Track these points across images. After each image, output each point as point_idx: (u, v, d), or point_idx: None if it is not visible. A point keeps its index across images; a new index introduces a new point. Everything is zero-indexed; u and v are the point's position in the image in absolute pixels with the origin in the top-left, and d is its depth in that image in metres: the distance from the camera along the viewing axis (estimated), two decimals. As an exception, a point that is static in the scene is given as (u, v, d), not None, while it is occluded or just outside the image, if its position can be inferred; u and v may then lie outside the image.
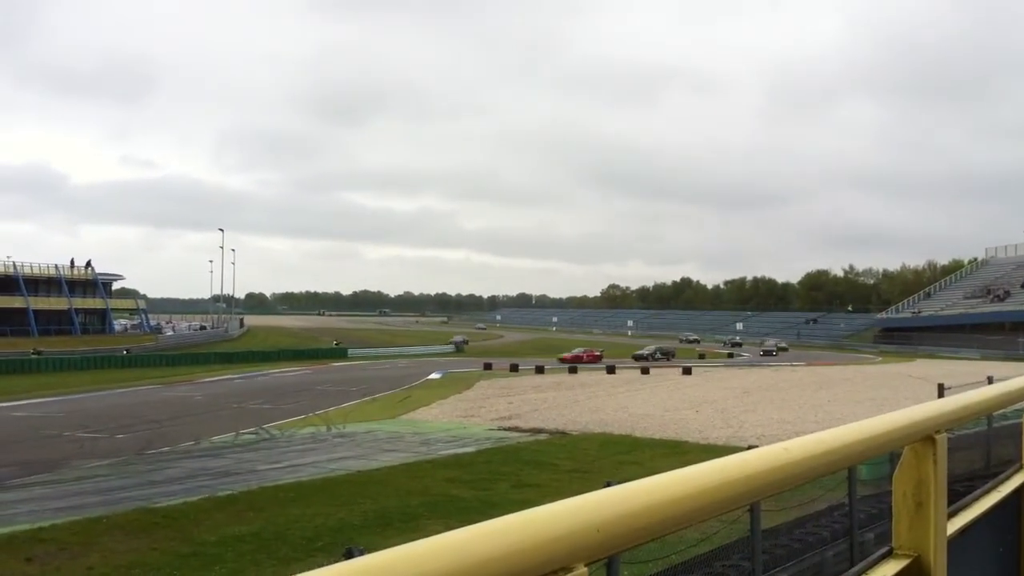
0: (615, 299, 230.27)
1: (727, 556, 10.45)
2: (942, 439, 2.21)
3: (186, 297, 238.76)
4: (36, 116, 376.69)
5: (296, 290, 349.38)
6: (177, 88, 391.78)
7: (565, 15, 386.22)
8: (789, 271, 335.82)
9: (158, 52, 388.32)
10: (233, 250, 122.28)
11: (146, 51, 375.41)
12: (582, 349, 78.25)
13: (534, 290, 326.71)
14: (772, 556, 11.24)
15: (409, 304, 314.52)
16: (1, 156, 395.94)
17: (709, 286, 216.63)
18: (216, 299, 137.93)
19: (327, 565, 0.93)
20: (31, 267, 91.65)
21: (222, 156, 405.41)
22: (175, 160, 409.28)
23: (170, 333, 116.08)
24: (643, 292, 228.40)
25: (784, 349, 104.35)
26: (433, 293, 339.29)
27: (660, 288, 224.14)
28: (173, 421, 35.64)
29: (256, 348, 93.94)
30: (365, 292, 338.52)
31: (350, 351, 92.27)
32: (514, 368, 66.57)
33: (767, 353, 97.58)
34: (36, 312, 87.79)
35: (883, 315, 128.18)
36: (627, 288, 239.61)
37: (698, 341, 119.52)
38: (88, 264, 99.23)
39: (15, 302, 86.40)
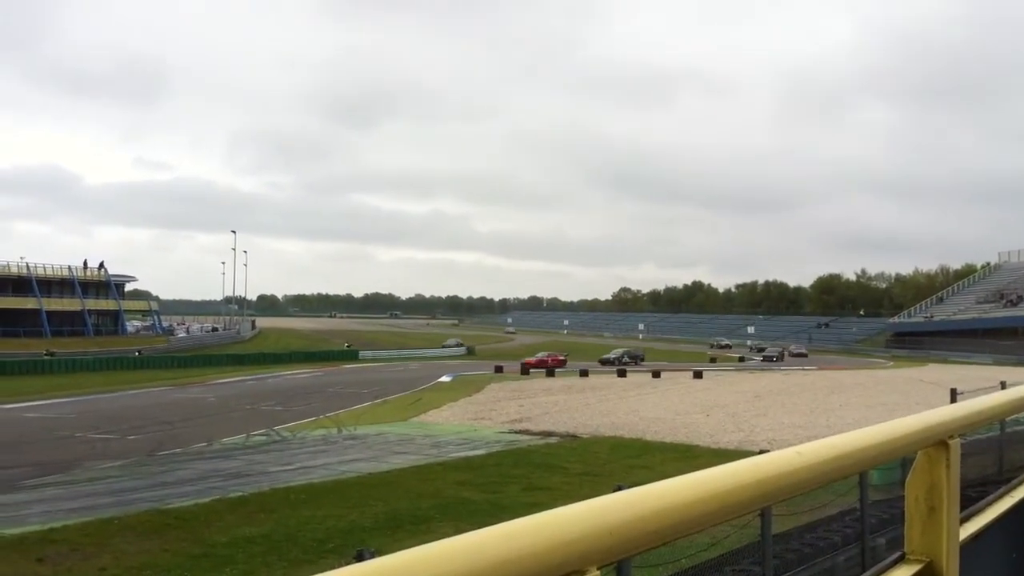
0: (627, 302, 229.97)
1: (738, 560, 10.43)
2: (955, 444, 2.20)
3: (198, 299, 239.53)
4: (50, 117, 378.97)
5: (308, 292, 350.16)
6: (190, 90, 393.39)
7: (578, 17, 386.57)
8: (801, 275, 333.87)
9: (170, 54, 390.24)
10: (245, 252, 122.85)
11: (159, 53, 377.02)
12: (546, 353, 76.34)
13: (546, 293, 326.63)
14: (783, 561, 11.21)
15: (420, 307, 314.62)
16: (16, 157, 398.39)
17: (721, 290, 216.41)
18: (228, 301, 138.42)
19: (338, 567, 0.93)
20: (44, 268, 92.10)
21: (235, 158, 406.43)
22: (188, 162, 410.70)
23: (183, 335, 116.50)
24: (655, 295, 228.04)
25: (803, 355, 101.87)
26: (444, 296, 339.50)
27: (672, 291, 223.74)
28: (185, 422, 35.73)
29: (268, 350, 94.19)
30: (376, 294, 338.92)
31: (361, 353, 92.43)
32: (524, 371, 66.65)
33: (767, 359, 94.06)
34: (49, 313, 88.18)
35: (895, 319, 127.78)
36: (639, 291, 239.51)
37: (729, 346, 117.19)
38: (101, 265, 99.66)
39: (28, 303, 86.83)
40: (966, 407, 2.53)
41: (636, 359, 76.52)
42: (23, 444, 29.81)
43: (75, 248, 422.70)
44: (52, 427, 34.06)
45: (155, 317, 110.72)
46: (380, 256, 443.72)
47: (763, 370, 78.81)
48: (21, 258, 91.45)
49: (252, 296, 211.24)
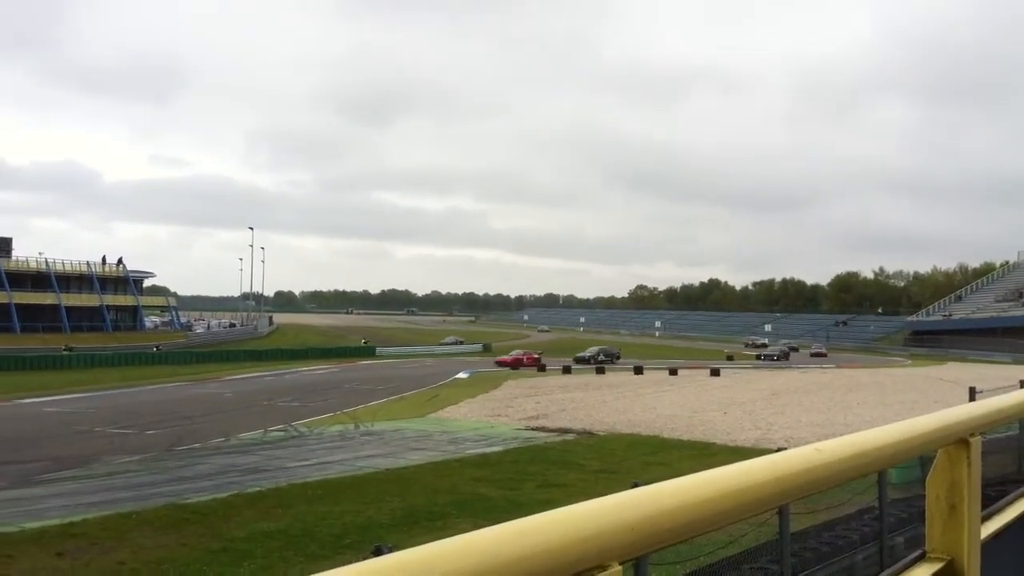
0: (643, 300, 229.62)
1: (756, 559, 10.39)
2: (976, 442, 2.19)
3: (216, 295, 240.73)
4: (69, 114, 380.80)
5: (325, 289, 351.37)
6: (208, 88, 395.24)
7: (594, 16, 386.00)
8: (818, 273, 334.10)
9: (188, 52, 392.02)
10: (263, 248, 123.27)
11: (176, 51, 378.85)
12: (521, 351, 75.28)
13: (562, 290, 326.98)
14: (801, 559, 11.16)
15: (437, 303, 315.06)
16: (35, 154, 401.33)
17: (737, 287, 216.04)
18: (246, 297, 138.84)
19: (355, 562, 0.92)
20: (63, 264, 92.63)
21: (253, 155, 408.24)
22: (206, 159, 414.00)
23: (201, 330, 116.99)
24: (671, 293, 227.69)
25: (822, 354, 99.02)
26: (461, 293, 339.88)
27: (688, 289, 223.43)
28: (203, 418, 35.88)
29: (285, 346, 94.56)
30: (393, 291, 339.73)
31: (378, 350, 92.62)
32: (541, 368, 66.65)
33: (767, 357, 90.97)
34: (68, 309, 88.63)
35: (914, 318, 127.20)
36: (655, 289, 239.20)
37: (766, 345, 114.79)
38: (120, 261, 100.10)
39: (47, 298, 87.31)
40: (986, 405, 2.51)
41: (612, 357, 74.95)
42: (42, 439, 29.99)
43: (94, 244, 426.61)
44: (71, 422, 34.25)
45: (173, 313, 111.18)
46: (397, 253, 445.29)
47: (780, 368, 78.55)
48: (40, 254, 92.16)
49: (269, 292, 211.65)
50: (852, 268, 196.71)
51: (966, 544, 2.12)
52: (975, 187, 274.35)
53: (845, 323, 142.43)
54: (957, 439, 2.16)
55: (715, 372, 63.79)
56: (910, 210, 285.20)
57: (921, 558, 2.16)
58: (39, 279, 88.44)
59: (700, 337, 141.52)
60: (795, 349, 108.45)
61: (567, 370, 64.61)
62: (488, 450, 27.41)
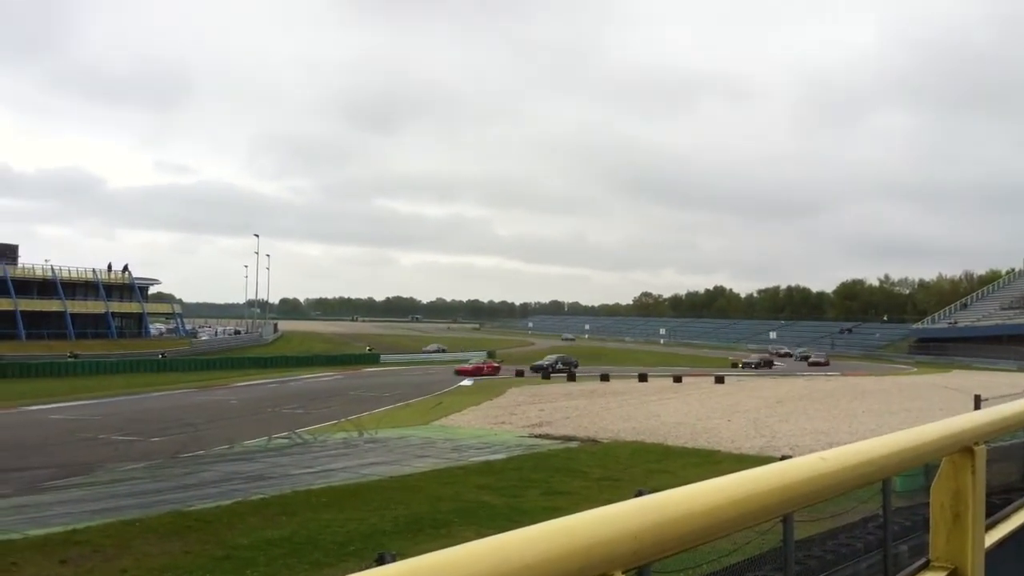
0: (647, 307, 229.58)
1: (759, 567, 10.38)
2: (981, 451, 2.19)
3: (221, 302, 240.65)
4: (73, 121, 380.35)
5: (329, 296, 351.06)
6: (211, 94, 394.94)
7: (599, 22, 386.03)
8: (823, 280, 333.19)
9: (192, 58, 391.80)
10: (268, 255, 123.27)
11: (180, 57, 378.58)
12: (481, 359, 74.29)
13: (566, 297, 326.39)
14: (805, 567, 11.16)
15: (441, 310, 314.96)
16: (39, 160, 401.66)
17: (742, 295, 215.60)
18: (251, 304, 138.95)
19: (359, 571, 0.93)
20: (69, 271, 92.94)
21: (256, 162, 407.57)
22: (210, 165, 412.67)
23: (206, 337, 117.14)
24: (675, 300, 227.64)
25: (823, 363, 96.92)
26: (465, 299, 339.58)
27: (693, 296, 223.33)
28: (207, 425, 35.91)
29: (290, 353, 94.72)
30: (398, 298, 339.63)
31: (382, 357, 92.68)
32: (546, 375, 66.63)
33: (745, 365, 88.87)
34: (73, 316, 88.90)
35: (919, 325, 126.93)
36: (659, 296, 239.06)
37: (790, 354, 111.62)
38: (125, 268, 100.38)
39: (53, 305, 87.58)
40: (991, 413, 2.51)
41: (570, 365, 74.03)
42: (47, 446, 30.04)
43: (99, 251, 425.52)
44: (76, 429, 34.30)
45: (178, 320, 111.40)
46: (401, 260, 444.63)
47: (785, 376, 78.45)
48: (46, 261, 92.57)
49: (274, 299, 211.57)
50: (857, 275, 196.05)
51: (970, 553, 2.12)
52: (981, 194, 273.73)
53: (850, 330, 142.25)
54: (962, 447, 2.16)
55: (719, 379, 63.69)
56: (916, 217, 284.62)
57: (925, 566, 2.16)
58: (45, 286, 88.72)
59: (705, 344, 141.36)
60: (788, 354, 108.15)
61: (571, 377, 64.51)
62: (492, 457, 27.38)
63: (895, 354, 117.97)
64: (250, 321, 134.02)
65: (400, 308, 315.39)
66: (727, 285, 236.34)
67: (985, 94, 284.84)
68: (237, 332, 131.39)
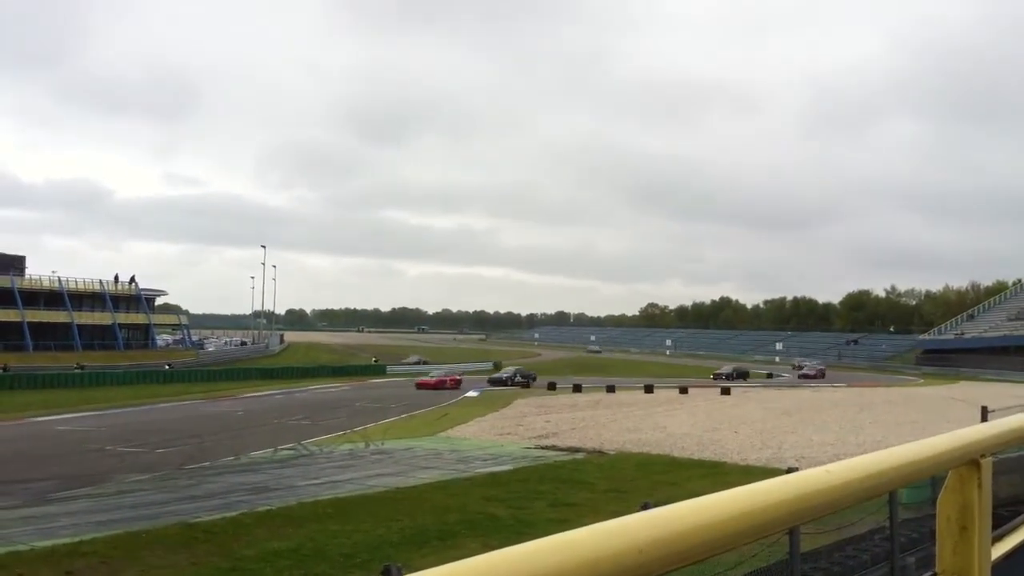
0: (653, 318, 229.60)
1: (766, 579, 10.35)
2: (987, 463, 2.19)
3: (227, 313, 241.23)
4: (81, 132, 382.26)
5: (336, 306, 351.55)
6: (220, 106, 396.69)
7: (605, 33, 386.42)
8: (830, 291, 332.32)
9: (201, 70, 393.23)
10: (274, 266, 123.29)
11: (189, 69, 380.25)
12: (443, 372, 72.39)
13: (572, 308, 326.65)
14: (812, 579, 11.13)
15: (447, 321, 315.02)
16: (47, 172, 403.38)
17: (748, 306, 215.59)
18: (257, 315, 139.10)
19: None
20: (76, 282, 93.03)
21: (263, 173, 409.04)
22: (217, 177, 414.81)
23: (212, 348, 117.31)
24: (682, 311, 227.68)
25: (812, 375, 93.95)
26: (471, 310, 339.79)
27: (699, 307, 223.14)
28: (214, 436, 35.91)
29: (296, 364, 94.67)
30: (404, 309, 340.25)
31: (388, 368, 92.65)
32: (552, 386, 66.54)
33: (716, 376, 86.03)
34: (80, 327, 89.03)
35: (925, 336, 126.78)
36: (666, 307, 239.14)
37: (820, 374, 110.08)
38: (132, 279, 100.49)
39: (60, 316, 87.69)
40: (998, 426, 2.51)
41: (528, 378, 73.42)
42: (53, 457, 30.05)
43: (106, 262, 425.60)
44: (82, 440, 34.32)
45: (185, 331, 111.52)
46: (407, 271, 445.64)
47: (793, 387, 78.31)
48: (53, 272, 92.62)
49: (281, 310, 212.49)
50: (864, 286, 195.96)
51: (977, 565, 2.11)
52: (988, 204, 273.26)
53: (856, 342, 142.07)
54: (968, 460, 2.16)
55: (726, 391, 63.63)
56: (922, 228, 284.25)
57: (932, 579, 2.16)
58: (52, 297, 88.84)
59: (711, 355, 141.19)
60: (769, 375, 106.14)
61: (577, 388, 64.39)
62: (498, 469, 27.35)
63: (902, 365, 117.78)
64: (256, 332, 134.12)
65: (406, 319, 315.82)
66: (733, 296, 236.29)
67: (993, 103, 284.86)
68: (243, 343, 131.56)
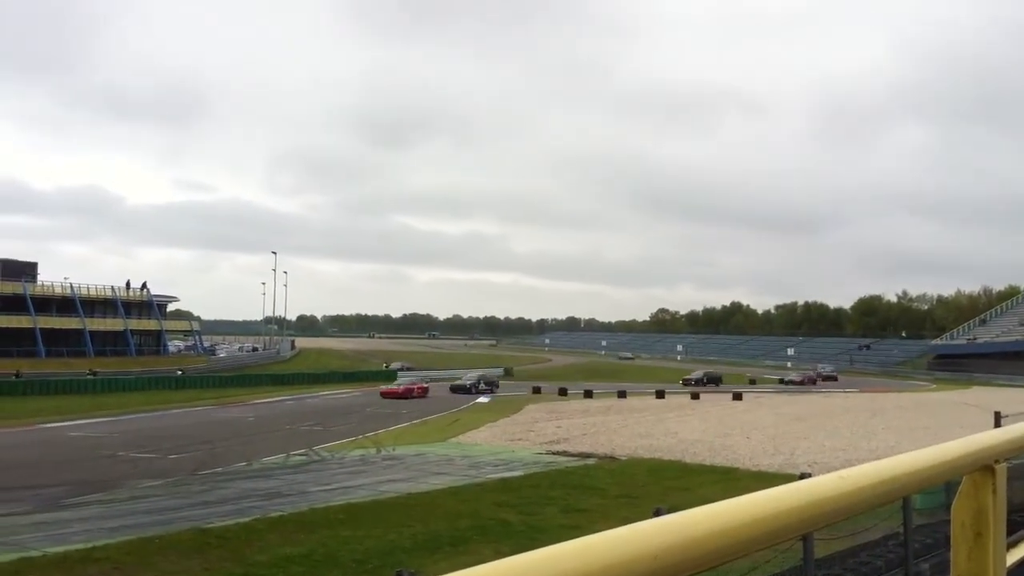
0: (664, 323, 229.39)
1: (779, 585, 10.31)
2: (1002, 469, 2.18)
3: (239, 319, 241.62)
4: (91, 139, 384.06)
5: (346, 312, 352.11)
6: (229, 112, 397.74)
7: (614, 38, 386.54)
8: (842, 296, 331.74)
9: (210, 76, 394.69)
10: (285, 272, 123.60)
11: (198, 75, 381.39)
12: (411, 380, 71.12)
13: (582, 313, 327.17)
14: (825, 586, 11.08)
15: (458, 327, 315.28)
16: (58, 179, 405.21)
17: (759, 311, 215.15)
18: (268, 321, 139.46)
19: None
20: (88, 288, 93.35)
21: (273, 179, 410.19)
22: (228, 183, 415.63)
23: (224, 354, 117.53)
24: (692, 316, 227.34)
25: (798, 381, 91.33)
26: (482, 316, 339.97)
27: (710, 312, 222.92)
28: (226, 442, 35.96)
29: (307, 370, 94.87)
30: (415, 315, 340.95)
31: (399, 373, 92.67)
32: (563, 392, 66.51)
33: (685, 383, 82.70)
34: (92, 333, 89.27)
35: (937, 341, 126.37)
36: (676, 312, 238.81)
37: (835, 378, 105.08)
38: (144, 286, 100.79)
39: (72, 323, 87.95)
40: (1012, 431, 2.49)
41: (492, 385, 72.40)
42: (66, 463, 30.13)
43: (117, 268, 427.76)
44: (95, 446, 34.41)
45: (196, 337, 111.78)
46: (418, 276, 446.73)
47: (804, 392, 78.10)
48: (65, 278, 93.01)
49: (292, 316, 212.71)
50: (875, 291, 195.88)
51: (992, 571, 2.10)
52: (999, 208, 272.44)
53: (868, 347, 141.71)
54: (982, 465, 2.15)
55: (737, 396, 63.55)
56: (934, 232, 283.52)
57: (947, 586, 2.15)
58: (64, 304, 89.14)
59: (722, 361, 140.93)
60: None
61: (588, 394, 64.33)
62: (509, 475, 27.33)
63: (914, 370, 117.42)
64: (267, 338, 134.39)
65: (417, 325, 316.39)
66: (744, 301, 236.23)
67: (1003, 106, 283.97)
68: (255, 349, 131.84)
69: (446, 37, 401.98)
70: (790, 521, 1.43)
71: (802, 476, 2.24)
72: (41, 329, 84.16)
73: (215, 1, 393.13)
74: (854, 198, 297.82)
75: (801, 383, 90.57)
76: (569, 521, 19.16)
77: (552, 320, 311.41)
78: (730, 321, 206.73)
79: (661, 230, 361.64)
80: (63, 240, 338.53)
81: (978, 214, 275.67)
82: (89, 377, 73.06)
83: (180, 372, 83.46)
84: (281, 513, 20.47)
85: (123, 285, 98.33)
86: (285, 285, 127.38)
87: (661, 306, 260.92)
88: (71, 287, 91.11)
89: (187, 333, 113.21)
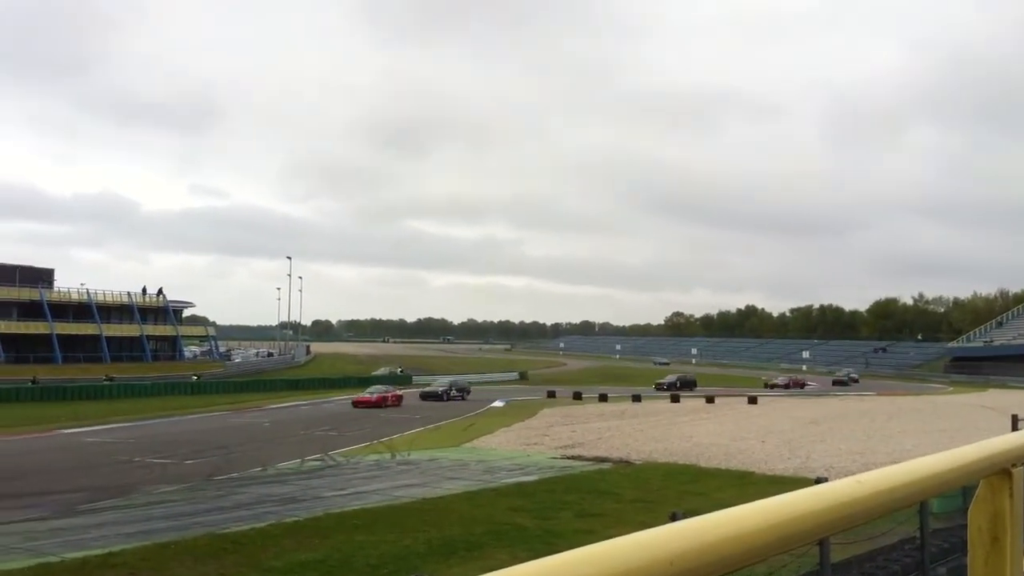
0: (679, 327, 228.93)
1: (796, 590, 10.29)
2: (1019, 473, 2.17)
3: (254, 324, 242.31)
4: (107, 145, 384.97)
5: (361, 317, 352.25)
6: (244, 118, 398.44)
7: (626, 41, 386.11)
8: (857, 299, 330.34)
9: (225, 82, 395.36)
10: (300, 277, 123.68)
11: (213, 81, 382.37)
12: (384, 388, 68.01)
13: (597, 317, 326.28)
14: (842, 590, 11.04)
15: (472, 331, 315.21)
16: (75, 185, 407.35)
17: (775, 314, 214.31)
18: (283, 326, 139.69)
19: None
20: (104, 294, 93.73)
21: (287, 184, 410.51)
22: (243, 189, 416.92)
23: (239, 360, 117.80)
24: (707, 320, 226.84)
25: (783, 384, 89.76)
26: (496, 320, 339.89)
27: (725, 316, 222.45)
28: (241, 447, 36.06)
29: (322, 375, 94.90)
30: (429, 319, 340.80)
31: (414, 378, 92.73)
32: (577, 396, 66.42)
33: (658, 387, 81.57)
34: (108, 339, 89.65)
35: (954, 344, 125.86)
36: (691, 316, 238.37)
37: (857, 380, 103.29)
38: (159, 292, 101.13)
39: (88, 329, 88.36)
40: (1029, 435, 2.48)
41: (463, 392, 71.75)
42: (83, 468, 30.26)
43: (133, 274, 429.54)
44: (111, 451, 34.54)
45: (212, 343, 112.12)
46: (432, 281, 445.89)
47: (819, 395, 77.85)
48: (81, 284, 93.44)
49: (307, 321, 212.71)
50: (891, 294, 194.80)
51: (1009, 576, 2.09)
52: (1016, 211, 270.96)
53: (884, 350, 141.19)
54: (999, 469, 2.14)
55: (752, 400, 63.27)
56: (949, 235, 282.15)
57: (964, 590, 2.14)
58: (81, 310, 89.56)
59: (737, 364, 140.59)
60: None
61: (603, 398, 64.28)
62: (524, 479, 27.30)
63: (930, 373, 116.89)
64: (282, 343, 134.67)
65: (431, 329, 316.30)
66: (759, 304, 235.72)
67: (1020, 109, 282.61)
68: (270, 354, 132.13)
69: (458, 43, 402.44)
70: (806, 526, 1.43)
71: (818, 480, 2.23)
72: (58, 335, 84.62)
73: (231, 9, 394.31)
74: (869, 201, 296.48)
75: (786, 387, 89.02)
76: (584, 526, 19.13)
77: (566, 324, 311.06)
78: (745, 324, 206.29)
79: (675, 234, 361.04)
80: (79, 246, 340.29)
81: (994, 216, 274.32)
82: (105, 383, 73.32)
83: (196, 377, 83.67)
84: (296, 518, 20.51)
85: (139, 291, 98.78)
86: (300, 290, 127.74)
87: (676, 310, 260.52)
88: (87, 293, 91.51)
89: (203, 339, 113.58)
